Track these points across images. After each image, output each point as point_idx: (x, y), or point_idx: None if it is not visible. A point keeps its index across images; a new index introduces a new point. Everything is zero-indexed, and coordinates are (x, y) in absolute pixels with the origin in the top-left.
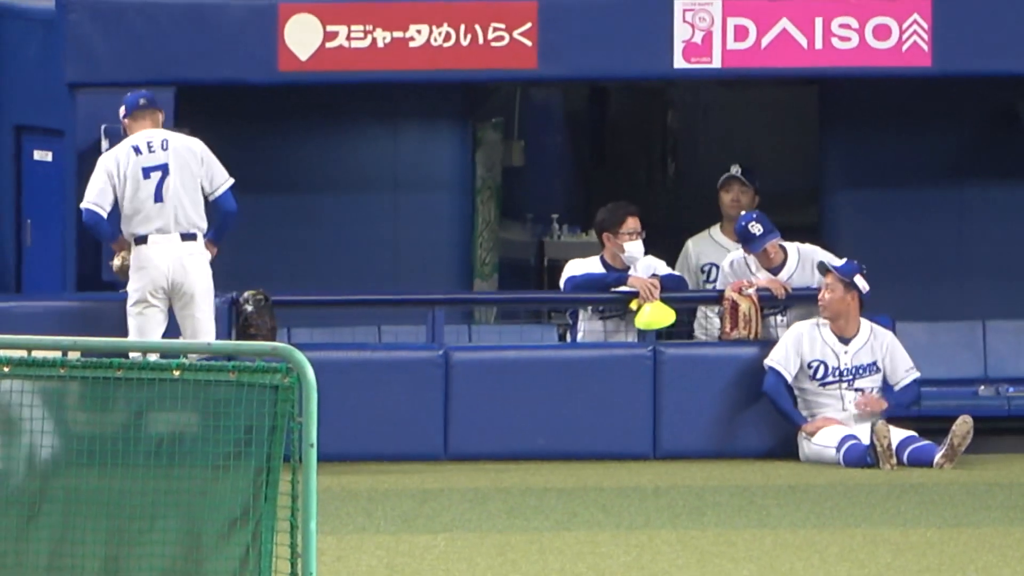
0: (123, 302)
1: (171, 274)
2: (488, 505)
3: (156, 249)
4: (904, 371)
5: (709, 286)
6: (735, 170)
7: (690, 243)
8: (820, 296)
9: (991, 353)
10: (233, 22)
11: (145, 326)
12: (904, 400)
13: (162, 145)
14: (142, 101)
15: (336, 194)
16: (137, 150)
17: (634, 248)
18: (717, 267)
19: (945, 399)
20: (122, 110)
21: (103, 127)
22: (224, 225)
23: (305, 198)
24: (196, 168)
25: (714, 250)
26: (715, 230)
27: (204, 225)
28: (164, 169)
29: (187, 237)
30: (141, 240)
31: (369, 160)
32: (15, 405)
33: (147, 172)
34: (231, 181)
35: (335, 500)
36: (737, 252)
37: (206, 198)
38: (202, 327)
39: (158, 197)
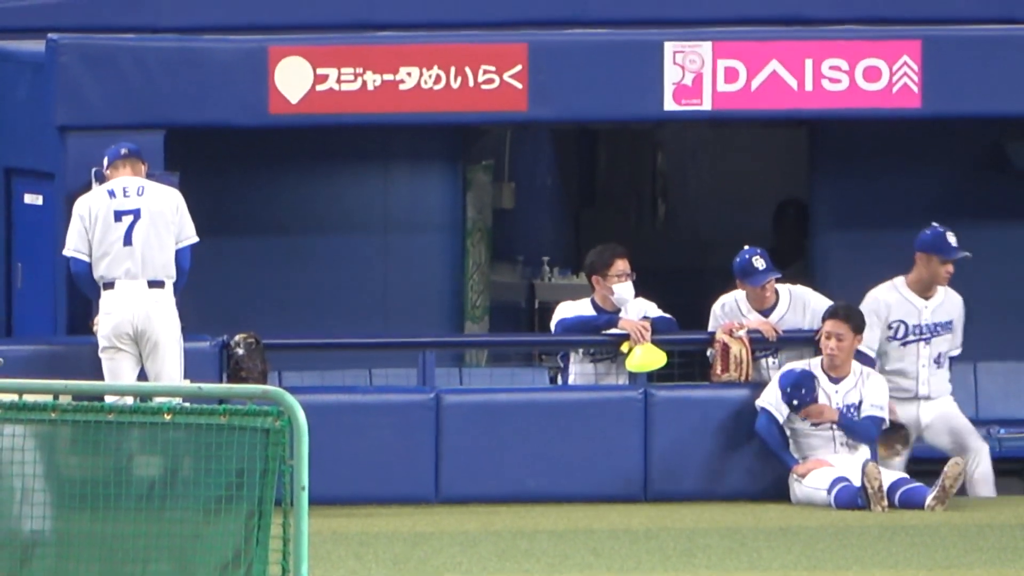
0: None
1: (136, 321)
2: (479, 548)
3: (121, 295)
4: (870, 406)
5: (896, 342)
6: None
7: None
8: (828, 346)
9: (982, 394)
10: (223, 65)
11: (117, 371)
12: (859, 429)
13: (138, 191)
14: (123, 151)
15: (327, 236)
16: (112, 194)
17: (623, 290)
18: (905, 324)
19: None
20: (104, 161)
21: (94, 170)
22: (176, 282)
23: (296, 240)
24: (171, 216)
25: (903, 304)
26: (900, 282)
27: (173, 273)
28: (136, 214)
29: (154, 284)
30: (109, 285)
31: (359, 202)
32: (6, 449)
33: (119, 215)
34: (195, 239)
35: (326, 543)
36: (728, 295)
37: None
38: (165, 375)
39: (127, 241)
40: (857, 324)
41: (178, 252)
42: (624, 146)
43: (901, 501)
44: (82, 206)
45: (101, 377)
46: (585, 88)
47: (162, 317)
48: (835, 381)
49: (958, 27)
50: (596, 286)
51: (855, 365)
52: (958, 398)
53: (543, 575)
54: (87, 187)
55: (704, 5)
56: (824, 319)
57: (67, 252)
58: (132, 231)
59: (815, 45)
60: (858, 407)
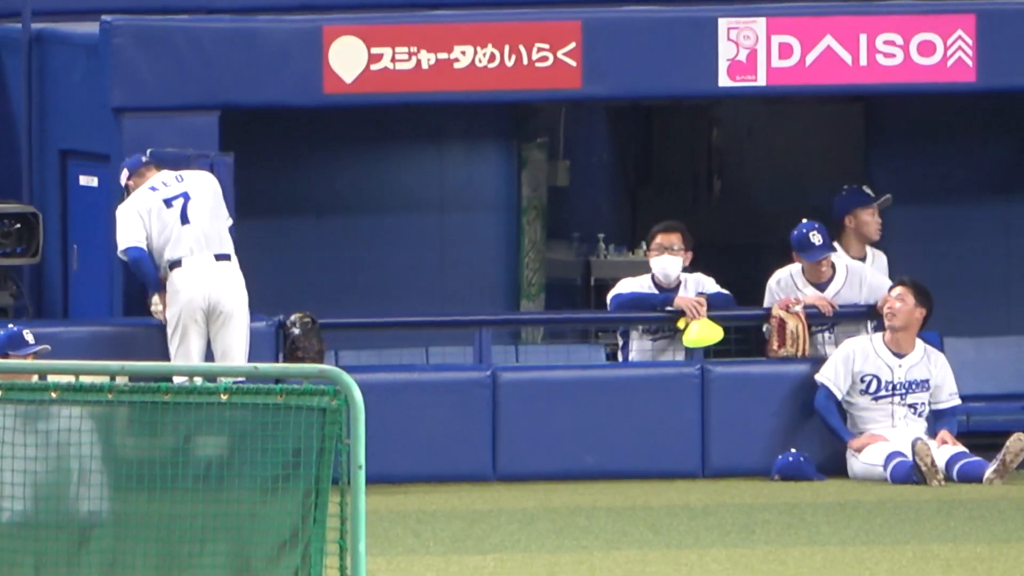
0: None
1: (208, 295)
2: (537, 525)
3: (190, 271)
4: (948, 395)
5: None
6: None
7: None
8: (889, 306)
9: None
10: (278, 45)
11: (187, 351)
12: (951, 428)
13: (177, 178)
14: (144, 159)
15: (382, 216)
16: (154, 188)
17: (659, 264)
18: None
19: (993, 414)
20: (124, 173)
21: (149, 151)
22: None
23: (351, 220)
24: (216, 193)
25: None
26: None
27: (233, 248)
28: (185, 195)
29: (221, 258)
30: (175, 264)
31: (415, 181)
32: (63, 430)
33: (169, 202)
34: (230, 221)
35: (384, 522)
36: (783, 270)
37: None
38: (233, 351)
39: (184, 219)
40: (922, 297)
41: None
42: (679, 123)
43: (959, 475)
44: (129, 207)
45: (157, 357)
46: (639, 65)
47: (234, 290)
48: (899, 356)
49: (1012, 1)
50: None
51: (919, 343)
52: (1014, 372)
53: (601, 552)
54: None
55: None
56: (891, 287)
57: (121, 246)
58: (186, 210)
59: (869, 20)
60: (922, 384)
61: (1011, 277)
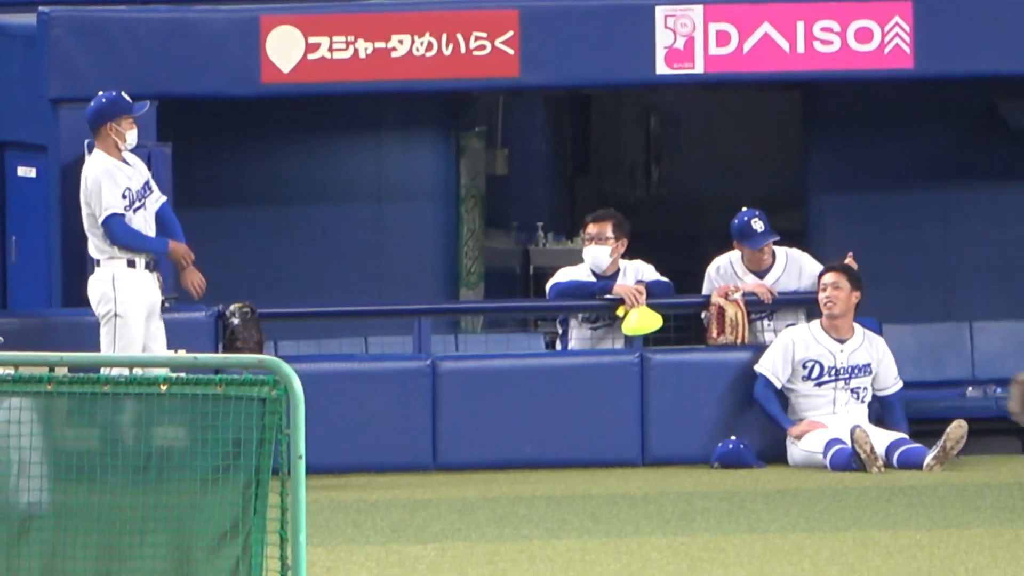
0: None
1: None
2: (477, 514)
3: None
4: (893, 379)
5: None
6: None
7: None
8: (828, 295)
9: (978, 354)
10: (215, 35)
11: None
12: (900, 417)
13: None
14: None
15: (320, 205)
16: None
17: (589, 254)
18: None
19: (932, 401)
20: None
21: (86, 142)
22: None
23: (290, 210)
24: (83, 191)
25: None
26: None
27: (107, 248)
28: None
29: (94, 262)
30: None
31: (353, 171)
32: (2, 422)
33: None
34: (107, 213)
35: (324, 512)
36: (722, 257)
37: None
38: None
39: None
40: (855, 280)
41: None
42: (617, 111)
43: (899, 462)
44: None
45: (96, 349)
46: (577, 53)
47: (93, 292)
48: (840, 341)
49: None
50: None
51: (858, 327)
52: (954, 359)
53: (541, 541)
54: (80, 159)
55: None
56: (821, 274)
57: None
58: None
59: (806, 7)
60: (864, 368)
61: (949, 264)
